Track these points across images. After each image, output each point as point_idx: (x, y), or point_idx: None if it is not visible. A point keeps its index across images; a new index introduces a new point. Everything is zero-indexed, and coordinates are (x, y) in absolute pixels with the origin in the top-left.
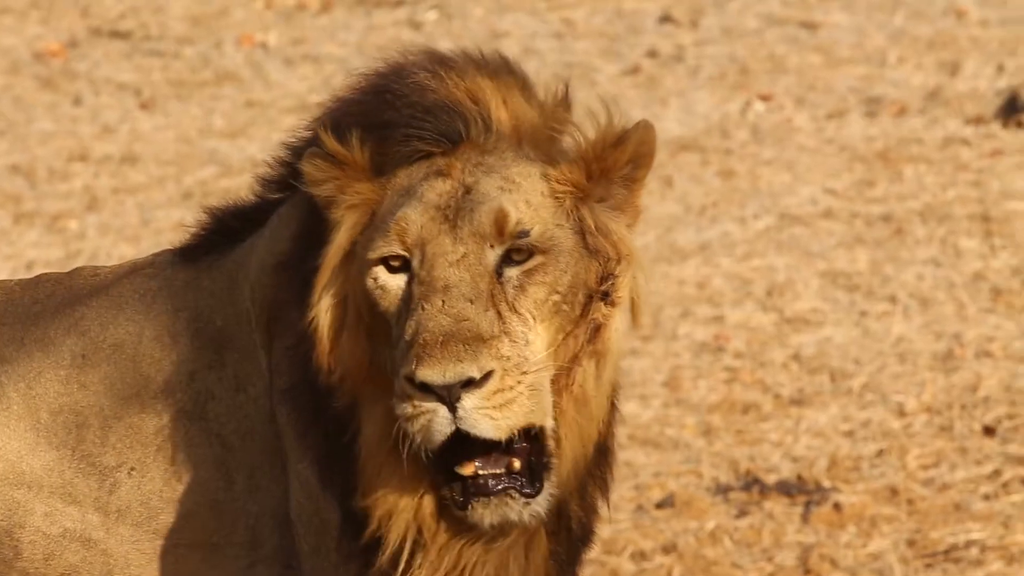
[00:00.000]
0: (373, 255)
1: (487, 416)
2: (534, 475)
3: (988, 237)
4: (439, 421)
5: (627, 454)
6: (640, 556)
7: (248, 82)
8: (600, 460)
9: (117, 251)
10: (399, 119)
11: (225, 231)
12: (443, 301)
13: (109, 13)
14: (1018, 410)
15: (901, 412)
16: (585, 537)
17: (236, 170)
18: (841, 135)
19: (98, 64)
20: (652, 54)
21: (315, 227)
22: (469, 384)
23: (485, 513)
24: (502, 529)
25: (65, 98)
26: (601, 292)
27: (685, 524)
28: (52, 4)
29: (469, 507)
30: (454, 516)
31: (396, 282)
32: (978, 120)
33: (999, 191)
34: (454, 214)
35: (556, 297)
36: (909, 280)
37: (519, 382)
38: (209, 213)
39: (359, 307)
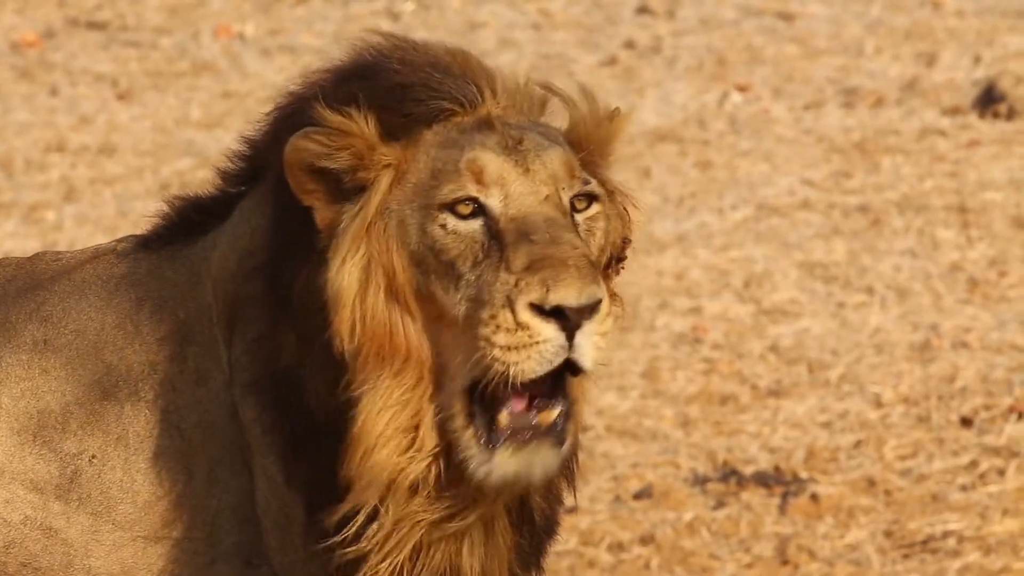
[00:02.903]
0: (444, 199)
1: (596, 346)
2: (565, 427)
3: (965, 228)
4: (552, 350)
5: (605, 445)
6: (618, 547)
7: (225, 73)
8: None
9: (94, 242)
10: (415, 80)
11: (187, 223)
12: (549, 233)
13: (86, 3)
14: (995, 401)
15: (878, 403)
16: (549, 529)
17: (213, 161)
18: (818, 126)
19: (75, 55)
20: (629, 45)
21: (279, 221)
22: (594, 308)
23: (511, 461)
24: (512, 484)
25: (42, 89)
26: (616, 258)
27: (663, 515)
28: None
29: (496, 449)
30: (427, 496)
31: (470, 227)
32: (955, 111)
33: (976, 182)
34: (522, 159)
35: (601, 252)
36: (886, 271)
37: (608, 315)
38: (171, 205)
39: (388, 268)
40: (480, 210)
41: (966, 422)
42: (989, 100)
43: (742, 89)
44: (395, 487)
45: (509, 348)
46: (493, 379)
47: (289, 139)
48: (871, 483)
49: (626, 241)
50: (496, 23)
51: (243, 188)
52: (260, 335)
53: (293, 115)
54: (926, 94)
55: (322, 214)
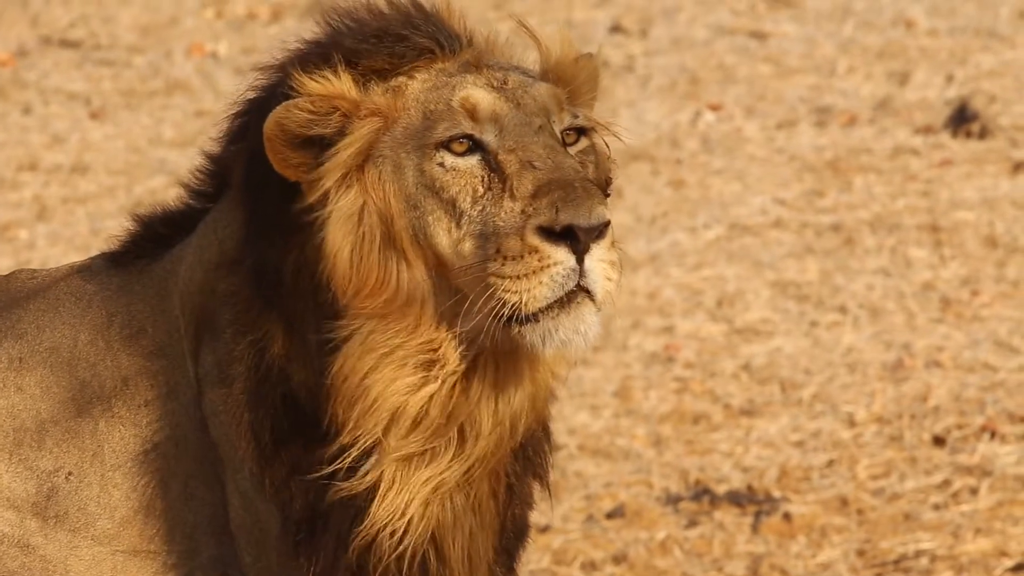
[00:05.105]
0: (440, 137)
1: (605, 274)
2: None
3: (938, 247)
4: (563, 273)
5: (577, 464)
6: (591, 566)
7: (198, 91)
8: (538, 446)
9: (67, 261)
10: (394, 23)
11: (155, 237)
12: (551, 160)
13: (59, 22)
14: (967, 420)
15: (851, 422)
16: (520, 532)
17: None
18: (791, 145)
19: (48, 73)
20: (602, 64)
21: (253, 212)
22: (602, 231)
23: (561, 319)
24: (565, 346)
25: (15, 107)
26: (604, 194)
27: (635, 534)
28: (1, 13)
29: (541, 317)
30: (425, 431)
31: (468, 163)
32: (927, 130)
33: (948, 201)
34: (512, 95)
35: None
36: (859, 290)
37: (615, 244)
38: (137, 220)
39: (385, 214)
40: (476, 147)
41: (939, 441)
42: (962, 119)
43: (715, 108)
44: (397, 417)
45: (519, 277)
46: (504, 312)
47: (263, 122)
48: (844, 502)
49: (609, 180)
50: None
51: (208, 205)
52: (239, 333)
53: (259, 104)
54: (899, 113)
55: (309, 184)
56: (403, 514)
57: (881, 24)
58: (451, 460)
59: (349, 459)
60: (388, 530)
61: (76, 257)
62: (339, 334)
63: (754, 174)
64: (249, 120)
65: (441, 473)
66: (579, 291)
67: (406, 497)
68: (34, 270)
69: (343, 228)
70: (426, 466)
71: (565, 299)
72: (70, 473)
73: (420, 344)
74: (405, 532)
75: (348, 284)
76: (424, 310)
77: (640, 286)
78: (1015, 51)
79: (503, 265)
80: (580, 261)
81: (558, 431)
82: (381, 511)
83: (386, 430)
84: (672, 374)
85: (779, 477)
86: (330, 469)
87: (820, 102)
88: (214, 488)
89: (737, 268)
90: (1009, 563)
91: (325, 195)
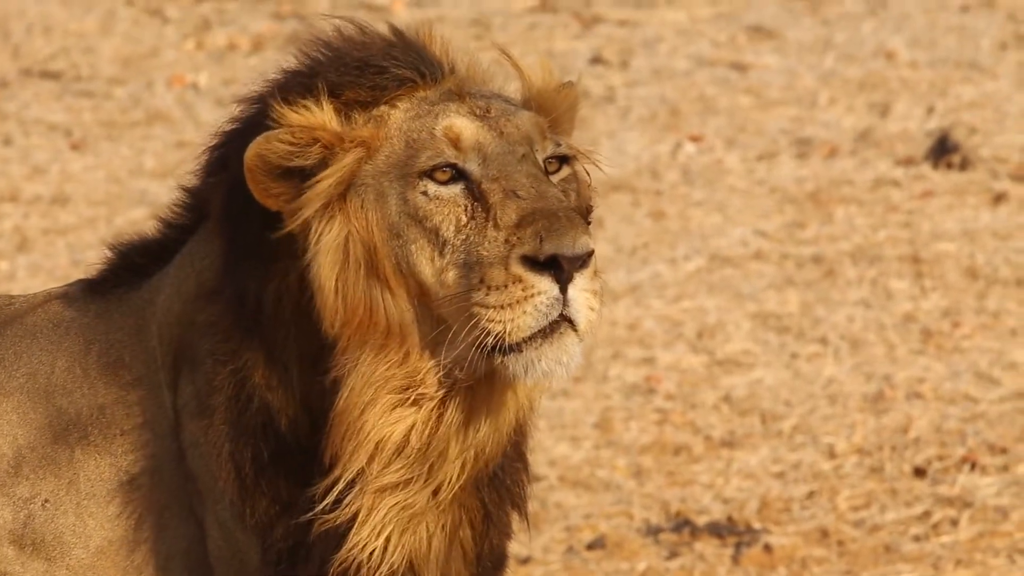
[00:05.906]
0: (423, 166)
1: (588, 304)
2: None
3: (918, 278)
4: (547, 303)
5: (558, 495)
6: None
7: (179, 122)
8: (516, 476)
9: None
10: (375, 53)
11: (132, 266)
12: (535, 189)
13: (39, 53)
14: (948, 451)
15: (831, 453)
16: (498, 562)
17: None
18: (772, 176)
19: (28, 104)
20: (583, 95)
21: (232, 243)
22: (586, 260)
23: (544, 349)
24: (547, 375)
25: None
26: (586, 223)
27: (616, 565)
28: None
29: (524, 347)
30: (408, 459)
31: (451, 191)
32: (908, 161)
33: (929, 232)
34: (495, 123)
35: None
36: (840, 321)
37: (598, 273)
38: (115, 249)
39: (368, 243)
40: (459, 176)
41: (919, 472)
42: (942, 150)
43: (695, 139)
44: (381, 448)
45: (502, 307)
46: (488, 342)
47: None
48: (824, 534)
49: (590, 208)
50: None
51: (185, 237)
52: (219, 363)
53: (239, 135)
54: (879, 144)
55: (290, 213)
56: (379, 534)
57: (862, 56)
58: (419, 484)
59: (336, 491)
60: (365, 553)
61: None
62: (340, 369)
63: (735, 205)
64: (228, 151)
65: (409, 497)
66: (562, 321)
67: (380, 520)
68: (11, 296)
69: (330, 259)
70: (400, 491)
71: (548, 329)
72: (46, 501)
73: (407, 374)
74: (382, 559)
75: (335, 315)
76: (409, 340)
77: (620, 317)
78: (996, 82)
79: (487, 295)
80: (563, 291)
81: (538, 462)
82: (358, 537)
83: (370, 460)
84: (653, 405)
85: (760, 508)
86: (321, 507)
87: (801, 133)
88: (188, 520)
89: (718, 299)
90: None
91: (307, 224)
